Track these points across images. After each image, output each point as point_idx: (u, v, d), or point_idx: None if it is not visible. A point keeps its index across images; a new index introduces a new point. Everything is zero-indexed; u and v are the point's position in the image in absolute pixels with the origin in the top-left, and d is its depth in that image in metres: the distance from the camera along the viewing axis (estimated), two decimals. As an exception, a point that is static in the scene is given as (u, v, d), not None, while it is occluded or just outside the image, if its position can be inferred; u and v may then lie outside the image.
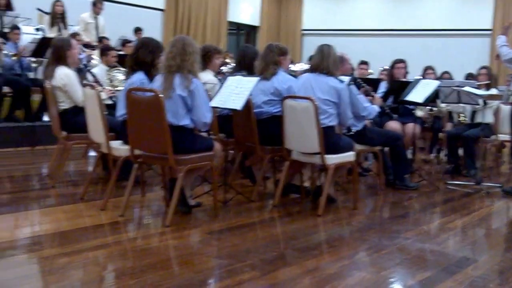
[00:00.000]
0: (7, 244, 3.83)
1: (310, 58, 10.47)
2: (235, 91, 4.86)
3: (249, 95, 4.82)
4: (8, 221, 4.46)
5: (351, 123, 5.38)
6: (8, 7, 9.22)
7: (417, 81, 6.54)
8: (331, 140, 4.96)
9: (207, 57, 5.81)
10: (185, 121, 4.46)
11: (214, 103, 4.91)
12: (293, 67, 7.99)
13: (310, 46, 14.47)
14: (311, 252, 3.97)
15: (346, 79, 5.38)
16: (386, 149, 6.18)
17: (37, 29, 9.13)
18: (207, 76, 5.78)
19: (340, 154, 5.02)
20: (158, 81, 4.53)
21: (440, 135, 7.69)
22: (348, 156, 5.11)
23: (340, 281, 3.47)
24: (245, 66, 5.76)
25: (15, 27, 8.46)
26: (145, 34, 10.95)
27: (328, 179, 4.99)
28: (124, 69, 6.49)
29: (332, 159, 4.96)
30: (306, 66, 8.76)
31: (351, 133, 5.53)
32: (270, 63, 5.33)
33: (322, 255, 3.98)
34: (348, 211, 5.21)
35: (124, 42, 9.65)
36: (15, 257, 3.60)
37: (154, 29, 12.33)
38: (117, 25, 10.94)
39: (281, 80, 5.31)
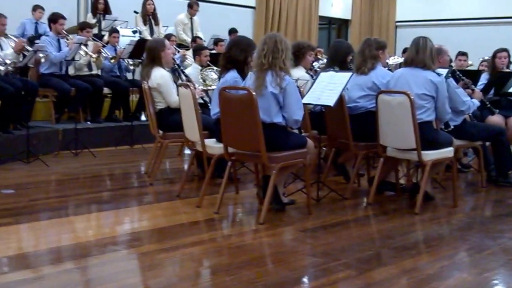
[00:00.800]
0: (109, 240, 3.98)
1: (404, 51, 10.20)
2: (328, 87, 4.80)
3: (343, 91, 4.75)
4: (109, 218, 4.65)
5: (449, 117, 5.17)
6: (106, 11, 9.62)
7: (522, 71, 6.20)
8: (428, 135, 4.79)
9: (300, 54, 5.79)
10: (278, 119, 4.45)
11: (307, 99, 4.87)
12: (387, 61, 7.79)
13: (404, 38, 14.03)
14: (409, 252, 3.86)
15: (444, 71, 5.18)
16: (488, 144, 5.90)
17: (134, 31, 9.45)
18: (299, 72, 5.75)
19: (437, 150, 4.85)
20: (250, 79, 4.55)
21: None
22: (447, 152, 4.92)
23: (439, 282, 3.35)
24: (337, 62, 5.68)
25: (114, 31, 8.79)
26: (238, 33, 11.08)
27: (425, 176, 4.83)
28: (217, 68, 6.59)
29: (430, 155, 4.79)
30: (401, 60, 8.53)
31: (449, 128, 5.32)
32: (368, 58, 5.24)
33: (420, 255, 3.87)
34: (447, 209, 5.02)
35: (216, 41, 9.80)
36: (116, 253, 3.74)
37: (245, 27, 12.42)
38: (209, 24, 11.12)
39: (379, 74, 5.22)
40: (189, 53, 8.86)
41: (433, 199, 5.20)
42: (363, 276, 3.39)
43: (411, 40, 5.01)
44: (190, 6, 10.54)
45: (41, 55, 6.69)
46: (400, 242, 4.06)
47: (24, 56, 6.58)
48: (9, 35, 7.05)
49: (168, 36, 8.99)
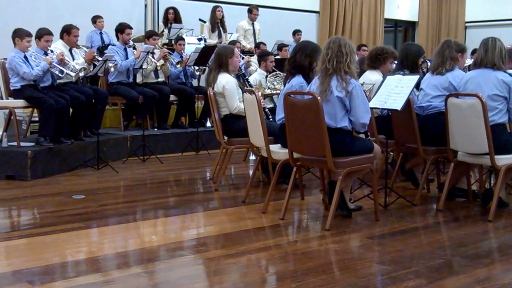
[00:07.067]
0: (176, 245, 4.02)
1: (473, 52, 9.89)
2: (395, 91, 4.70)
3: (410, 94, 4.64)
4: (176, 223, 4.71)
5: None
6: (176, 20, 9.80)
7: None
8: (501, 138, 4.62)
9: (382, 58, 5.74)
10: (343, 123, 4.39)
11: (373, 103, 4.78)
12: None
13: (474, 39, 13.57)
14: (482, 260, 3.72)
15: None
16: None
17: (199, 39, 9.57)
18: (376, 76, 5.66)
19: (512, 154, 4.66)
20: (314, 84, 4.51)
21: None
22: (522, 156, 4.72)
23: (515, 292, 3.22)
24: (408, 65, 5.55)
25: (180, 38, 8.93)
26: (302, 36, 11.04)
27: (499, 182, 4.65)
28: (282, 73, 6.58)
29: (503, 159, 4.61)
30: (470, 61, 8.27)
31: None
32: (447, 59, 5.11)
33: (494, 263, 3.73)
34: (523, 216, 4.83)
35: (281, 47, 9.80)
36: (182, 258, 3.77)
37: (309, 31, 12.39)
38: (274, 30, 11.14)
39: (456, 76, 5.08)
40: (253, 59, 8.89)
41: (508, 206, 5.01)
42: (434, 285, 3.30)
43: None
44: (249, 11, 10.60)
45: (110, 64, 6.86)
46: (472, 250, 3.92)
47: (95, 66, 6.78)
48: (81, 46, 7.28)
49: (233, 43, 9.06)
